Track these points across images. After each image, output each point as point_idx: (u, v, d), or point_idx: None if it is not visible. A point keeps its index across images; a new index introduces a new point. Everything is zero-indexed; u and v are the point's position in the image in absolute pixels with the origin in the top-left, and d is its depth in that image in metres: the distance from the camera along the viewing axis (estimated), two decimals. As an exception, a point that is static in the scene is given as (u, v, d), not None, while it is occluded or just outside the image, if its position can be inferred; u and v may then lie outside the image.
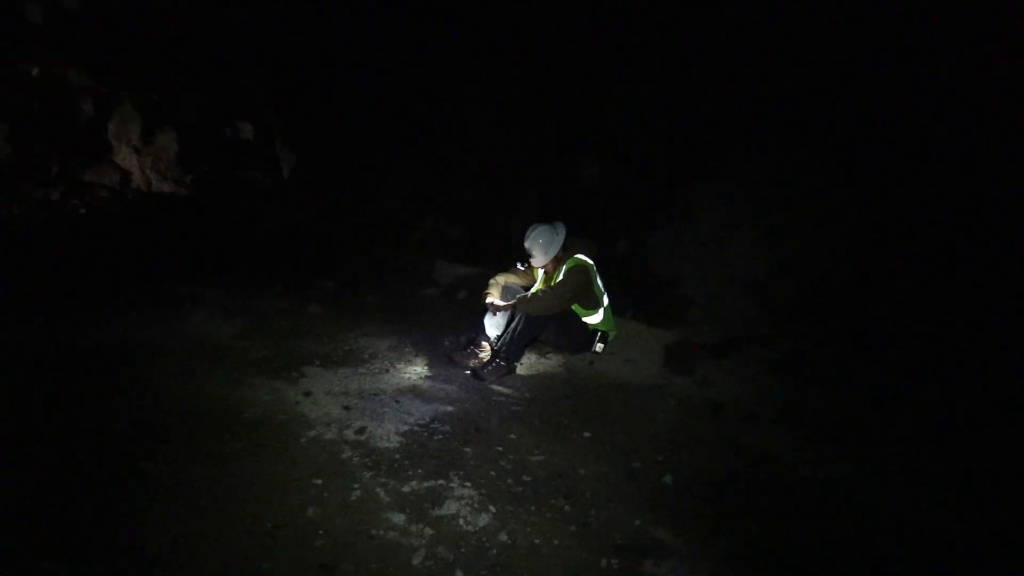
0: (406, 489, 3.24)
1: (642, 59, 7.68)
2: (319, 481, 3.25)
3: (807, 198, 6.13)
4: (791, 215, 6.10)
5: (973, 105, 5.58)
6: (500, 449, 3.69)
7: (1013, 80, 5.41)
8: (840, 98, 6.23)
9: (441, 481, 3.32)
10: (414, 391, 4.41)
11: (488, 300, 4.99)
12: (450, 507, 3.10)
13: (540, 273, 5.14)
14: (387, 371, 4.72)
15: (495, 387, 4.57)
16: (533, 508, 3.15)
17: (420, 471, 3.40)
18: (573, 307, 4.90)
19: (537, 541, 2.90)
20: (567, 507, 3.17)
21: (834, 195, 6.04)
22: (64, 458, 3.31)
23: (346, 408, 4.06)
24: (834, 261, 5.77)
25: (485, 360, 4.83)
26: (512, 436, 3.86)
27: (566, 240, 4.95)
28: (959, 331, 4.89)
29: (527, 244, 4.94)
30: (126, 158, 10.39)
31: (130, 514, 2.90)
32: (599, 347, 5.04)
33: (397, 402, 4.21)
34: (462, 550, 2.81)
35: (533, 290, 5.03)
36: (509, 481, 3.37)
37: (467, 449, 3.67)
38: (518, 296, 4.92)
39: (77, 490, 3.06)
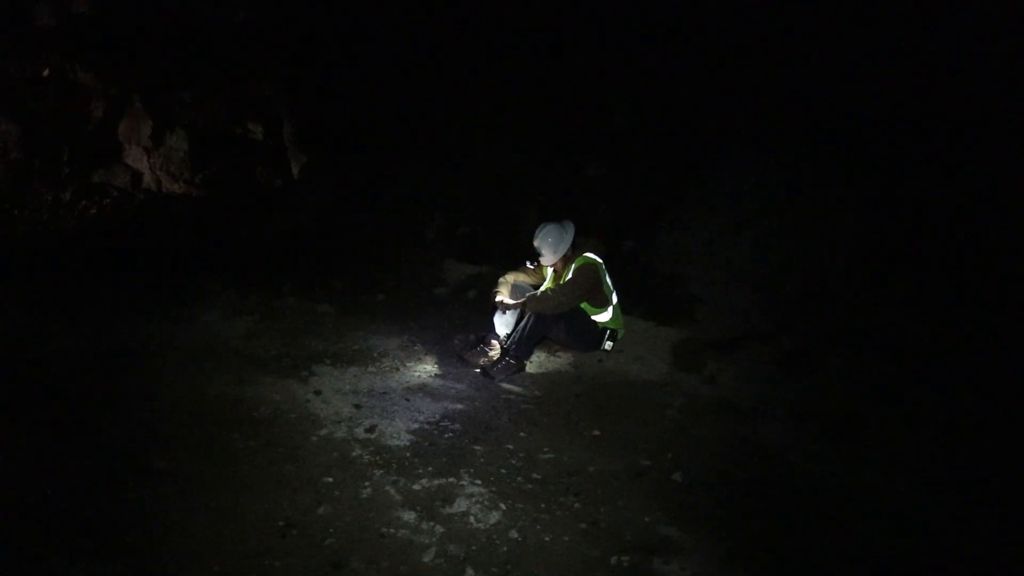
0: (417, 487, 3.25)
1: (646, 60, 7.67)
2: (330, 479, 3.27)
3: (810, 197, 6.12)
4: (794, 214, 6.09)
5: (974, 105, 5.56)
6: (510, 447, 3.70)
7: (1014, 80, 5.38)
8: (843, 98, 6.20)
9: (451, 479, 3.33)
10: (424, 389, 4.42)
11: (498, 299, 5.00)
12: (460, 505, 3.11)
13: (549, 272, 5.14)
14: (397, 370, 4.74)
15: (505, 385, 4.58)
16: (543, 506, 3.16)
17: (430, 469, 3.42)
18: (582, 305, 4.90)
19: (547, 539, 2.91)
20: (577, 505, 3.18)
21: (837, 194, 6.03)
22: (73, 456, 3.34)
23: (356, 407, 4.08)
24: (837, 260, 5.75)
25: (495, 358, 4.84)
26: (522, 434, 3.87)
27: (575, 239, 4.95)
28: (961, 330, 4.87)
29: (536, 243, 4.94)
30: (136, 159, 10.44)
31: (140, 512, 2.92)
32: (608, 345, 5.04)
33: (407, 400, 4.22)
34: (473, 548, 2.82)
35: (542, 289, 5.03)
36: (519, 479, 3.38)
37: (477, 447, 3.68)
38: (527, 295, 4.92)
39: (86, 488, 3.08)
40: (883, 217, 5.75)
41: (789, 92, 6.50)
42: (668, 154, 7.35)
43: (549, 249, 4.91)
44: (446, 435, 3.80)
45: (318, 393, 4.23)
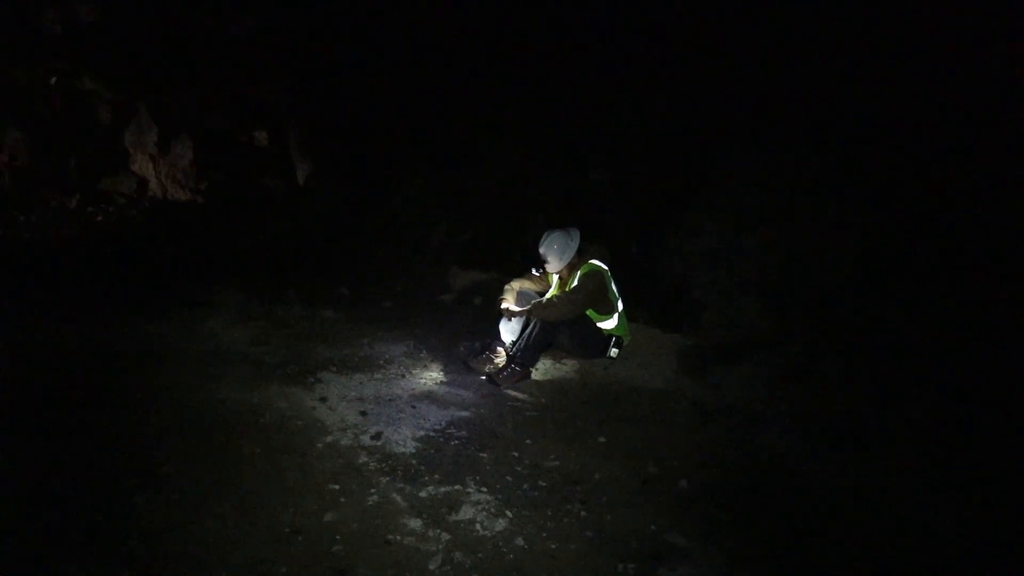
0: (423, 494, 3.25)
1: (650, 63, 7.69)
2: (336, 486, 3.27)
3: (811, 201, 6.12)
4: (799, 219, 6.08)
5: (974, 105, 5.56)
6: (516, 454, 3.70)
7: (1014, 80, 5.38)
8: (848, 101, 6.20)
9: (457, 486, 3.33)
10: (430, 396, 4.42)
11: (503, 306, 4.99)
12: (467, 512, 3.11)
13: (555, 279, 5.14)
14: (403, 376, 4.74)
15: (510, 392, 4.58)
16: (549, 513, 3.15)
17: (436, 476, 3.42)
18: (588, 312, 4.89)
19: (553, 546, 2.91)
20: (583, 512, 3.18)
21: (841, 199, 6.02)
22: (78, 460, 3.35)
23: (362, 413, 4.08)
24: (839, 264, 5.74)
25: (500, 365, 4.83)
26: (528, 441, 3.86)
27: (580, 246, 4.95)
28: (962, 334, 4.86)
29: (542, 250, 4.94)
30: (142, 166, 10.51)
31: (146, 517, 2.93)
32: (613, 352, 5.04)
33: (413, 407, 4.22)
34: (479, 555, 2.82)
35: (548, 296, 5.04)
36: (525, 486, 3.38)
37: (483, 454, 3.67)
38: (533, 302, 4.92)
39: (90, 492, 3.08)
40: (884, 220, 5.74)
41: (796, 96, 6.50)
42: (672, 158, 7.36)
43: (555, 256, 4.91)
44: (452, 442, 3.79)
45: (324, 400, 4.23)
